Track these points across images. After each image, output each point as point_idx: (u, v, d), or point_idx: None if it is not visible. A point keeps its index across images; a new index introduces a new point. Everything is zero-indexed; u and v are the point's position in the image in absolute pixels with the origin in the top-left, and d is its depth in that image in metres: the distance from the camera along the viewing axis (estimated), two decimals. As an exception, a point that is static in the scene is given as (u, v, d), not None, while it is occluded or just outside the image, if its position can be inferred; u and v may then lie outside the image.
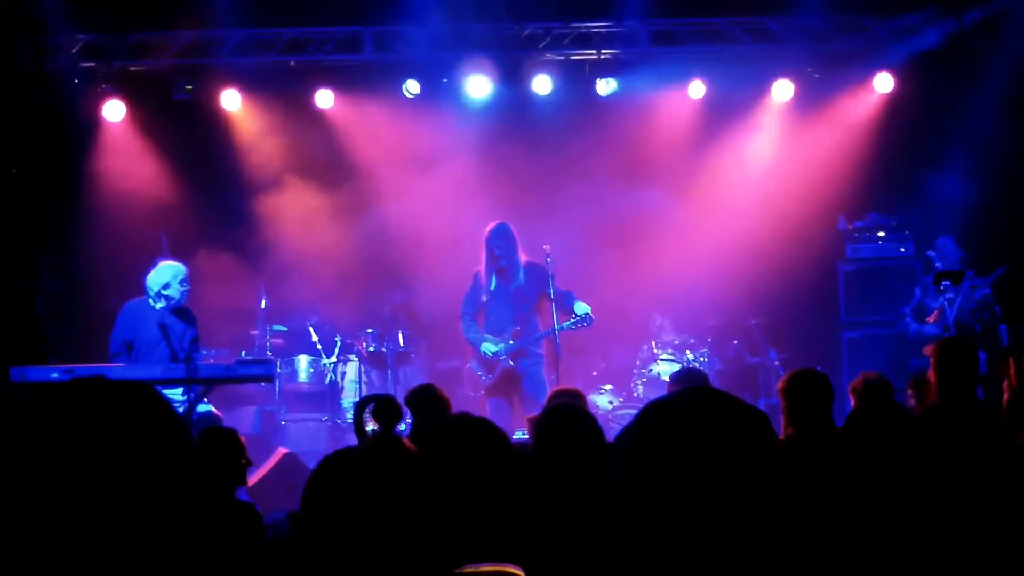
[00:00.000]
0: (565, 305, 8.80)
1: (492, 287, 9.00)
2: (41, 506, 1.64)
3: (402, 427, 5.12)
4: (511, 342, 8.89)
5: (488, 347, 8.92)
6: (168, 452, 1.73)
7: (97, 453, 1.67)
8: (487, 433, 2.99)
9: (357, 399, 8.65)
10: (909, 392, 6.48)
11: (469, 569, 2.62)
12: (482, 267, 9.08)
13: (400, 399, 5.54)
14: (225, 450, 4.78)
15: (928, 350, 5.36)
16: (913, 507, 2.69)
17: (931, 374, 5.10)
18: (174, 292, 8.37)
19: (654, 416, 1.84)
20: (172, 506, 1.70)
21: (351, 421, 9.82)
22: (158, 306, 8.37)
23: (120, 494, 1.65)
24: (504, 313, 8.97)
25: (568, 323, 8.76)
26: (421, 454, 2.90)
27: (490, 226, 9.05)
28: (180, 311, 8.46)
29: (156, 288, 8.36)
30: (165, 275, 8.39)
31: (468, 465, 2.83)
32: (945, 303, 9.45)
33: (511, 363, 8.91)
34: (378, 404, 5.29)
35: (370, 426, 5.06)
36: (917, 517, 2.67)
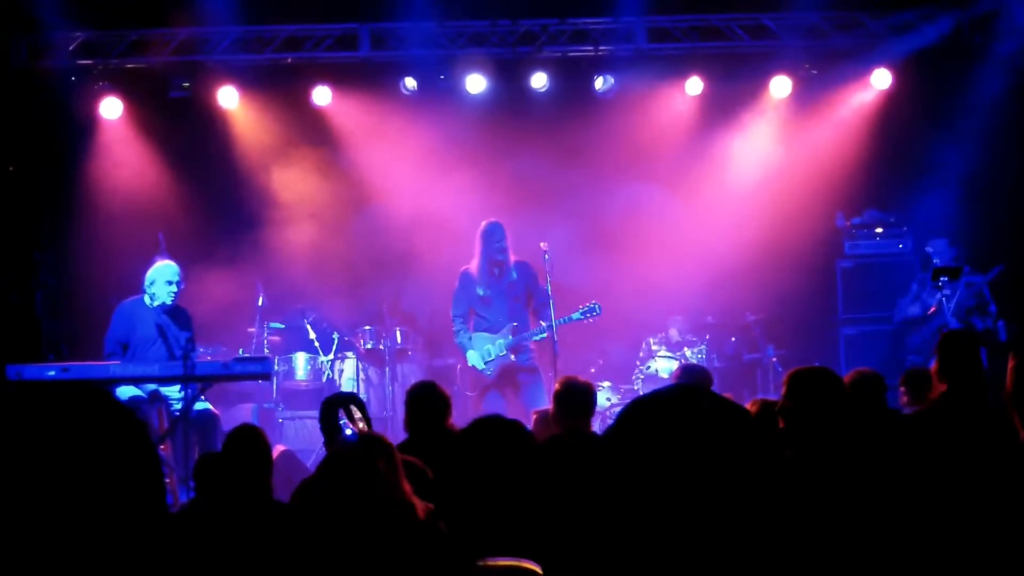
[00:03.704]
0: (542, 309, 8.88)
1: (488, 285, 9.01)
2: None
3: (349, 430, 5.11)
4: (510, 338, 8.90)
5: (474, 357, 8.97)
6: (121, 455, 1.68)
7: (44, 457, 1.62)
8: (514, 433, 2.98)
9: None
10: (901, 389, 6.47)
11: (488, 563, 2.62)
12: (473, 265, 9.11)
13: (399, 396, 5.55)
14: (254, 449, 4.76)
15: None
16: (917, 503, 2.68)
17: (934, 367, 5.08)
18: (159, 290, 8.38)
19: (637, 408, 1.85)
20: (121, 510, 1.65)
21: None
22: (154, 304, 8.38)
23: (68, 499, 1.61)
24: (500, 310, 9.01)
25: (576, 314, 8.88)
26: (426, 453, 2.90)
27: (485, 224, 9.08)
28: (175, 312, 8.45)
29: (145, 285, 8.41)
30: (152, 274, 8.46)
31: (496, 464, 2.83)
32: (943, 299, 9.45)
33: (512, 358, 8.93)
34: (356, 404, 5.28)
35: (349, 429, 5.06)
36: (921, 513, 2.67)
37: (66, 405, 1.70)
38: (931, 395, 5.10)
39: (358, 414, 5.13)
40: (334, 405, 5.29)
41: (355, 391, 10.38)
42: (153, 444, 1.73)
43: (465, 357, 9.09)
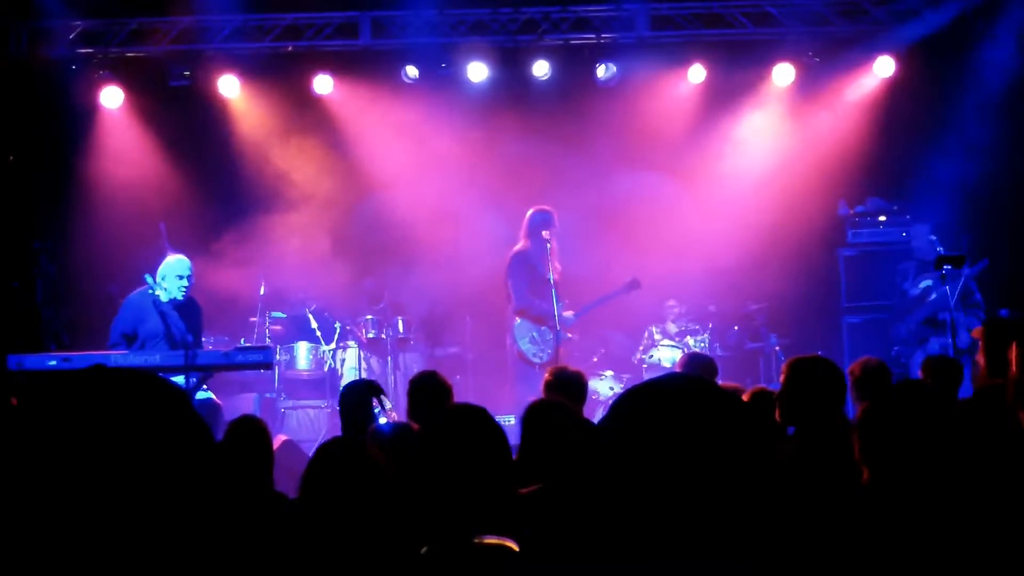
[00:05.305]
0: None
1: (549, 269, 9.21)
2: (49, 505, 1.56)
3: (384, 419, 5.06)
4: (570, 313, 9.38)
5: (569, 314, 9.39)
6: (185, 443, 1.65)
7: (108, 445, 1.59)
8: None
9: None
10: (921, 374, 6.44)
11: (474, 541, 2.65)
12: (527, 248, 9.39)
13: (401, 385, 5.53)
14: (255, 441, 4.74)
15: (976, 332, 5.26)
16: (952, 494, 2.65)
17: (980, 356, 5.02)
18: (170, 285, 8.35)
19: (632, 397, 1.84)
20: (192, 501, 1.63)
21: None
22: (164, 299, 8.35)
23: (134, 489, 1.58)
24: (551, 293, 9.18)
25: (619, 290, 9.64)
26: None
27: (538, 211, 9.45)
28: (186, 306, 8.41)
29: (158, 279, 8.38)
30: (163, 269, 8.43)
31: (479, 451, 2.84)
32: (929, 289, 9.44)
33: (568, 336, 9.30)
34: (378, 392, 5.26)
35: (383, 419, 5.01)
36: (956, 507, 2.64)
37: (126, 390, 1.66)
38: (980, 383, 5.03)
39: (388, 404, 5.11)
40: (366, 393, 5.26)
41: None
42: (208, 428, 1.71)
43: (548, 323, 9.25)
